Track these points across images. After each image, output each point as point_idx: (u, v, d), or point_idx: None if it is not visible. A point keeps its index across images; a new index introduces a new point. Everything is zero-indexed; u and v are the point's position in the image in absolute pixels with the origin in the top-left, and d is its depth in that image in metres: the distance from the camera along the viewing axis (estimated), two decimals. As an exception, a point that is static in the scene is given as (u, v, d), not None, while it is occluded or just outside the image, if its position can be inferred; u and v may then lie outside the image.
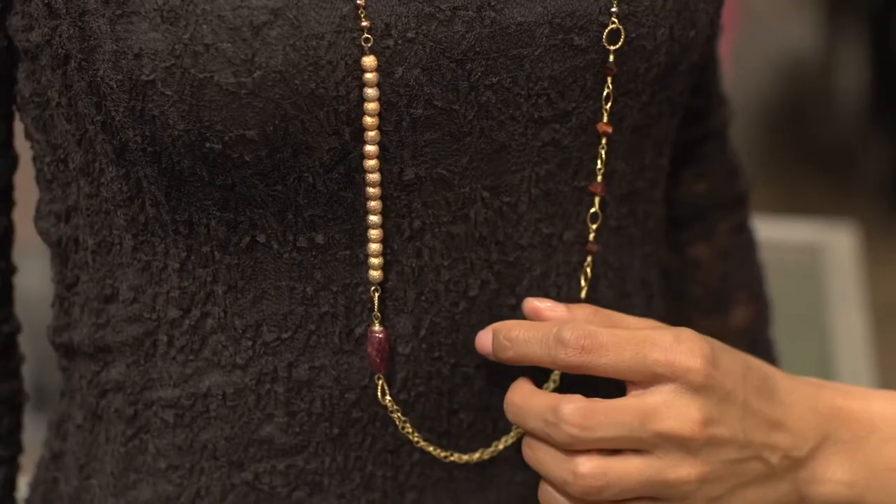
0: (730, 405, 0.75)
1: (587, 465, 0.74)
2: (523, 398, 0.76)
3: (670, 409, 0.74)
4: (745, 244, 1.04)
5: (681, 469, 0.74)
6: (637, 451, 0.74)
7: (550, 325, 0.75)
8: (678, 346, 0.74)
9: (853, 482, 0.79)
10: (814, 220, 4.03)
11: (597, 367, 0.74)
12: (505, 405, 0.77)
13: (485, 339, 0.78)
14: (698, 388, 0.74)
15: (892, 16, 4.31)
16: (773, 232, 2.15)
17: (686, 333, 0.75)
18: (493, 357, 0.78)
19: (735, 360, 0.77)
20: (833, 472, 0.79)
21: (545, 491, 0.77)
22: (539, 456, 0.76)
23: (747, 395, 0.76)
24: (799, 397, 0.79)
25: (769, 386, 0.78)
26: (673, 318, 1.02)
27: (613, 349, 0.74)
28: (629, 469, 0.74)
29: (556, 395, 0.75)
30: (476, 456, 0.82)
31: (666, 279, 1.02)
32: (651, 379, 0.74)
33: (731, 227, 1.03)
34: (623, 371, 0.74)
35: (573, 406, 0.73)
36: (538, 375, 0.82)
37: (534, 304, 0.79)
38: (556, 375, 0.82)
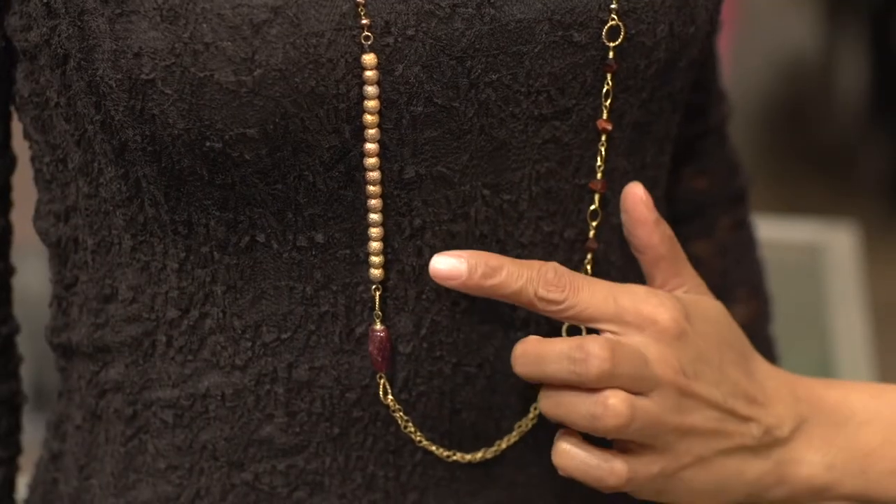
0: (705, 365, 0.76)
1: (617, 397, 0.74)
2: (539, 344, 0.75)
3: (652, 351, 0.75)
4: (745, 241, 1.04)
5: (667, 416, 0.75)
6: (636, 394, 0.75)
7: (536, 264, 0.76)
8: (649, 299, 0.76)
9: (832, 465, 0.80)
10: (814, 219, 4.03)
11: (571, 307, 0.75)
12: (516, 357, 0.76)
13: (445, 263, 0.75)
14: (669, 339, 0.75)
15: (892, 15, 4.31)
16: (772, 231, 2.15)
17: (662, 292, 0.76)
18: (464, 281, 0.75)
19: (711, 328, 0.78)
20: (812, 455, 0.80)
21: (564, 437, 0.77)
22: (563, 399, 0.75)
23: (723, 363, 0.77)
24: (778, 383, 0.80)
25: (748, 364, 0.79)
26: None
27: (588, 289, 0.75)
28: (647, 407, 0.75)
29: (577, 336, 0.75)
30: (479, 455, 0.82)
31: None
32: (622, 327, 0.75)
33: (731, 224, 1.03)
34: (594, 314, 0.75)
35: (601, 340, 0.74)
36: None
37: (639, 192, 0.79)
38: None
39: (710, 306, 0.80)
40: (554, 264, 0.76)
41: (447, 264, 0.75)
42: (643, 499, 0.79)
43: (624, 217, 0.79)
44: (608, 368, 0.73)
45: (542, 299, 0.75)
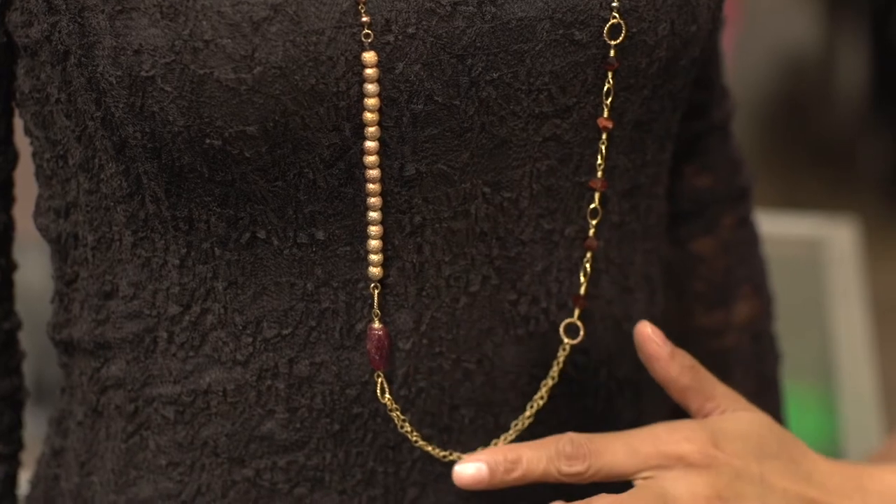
0: (745, 483, 0.76)
1: None
2: None
3: (680, 488, 0.75)
4: (748, 238, 1.04)
5: None
6: None
7: (552, 442, 0.76)
8: (671, 437, 0.76)
9: None
10: (814, 214, 4.03)
11: (597, 472, 0.76)
12: None
13: (468, 469, 0.77)
14: (700, 470, 0.75)
15: (892, 10, 4.31)
16: (773, 226, 2.15)
17: (686, 425, 0.77)
18: (490, 481, 0.76)
19: (748, 445, 0.77)
20: None
21: None
22: None
23: (766, 474, 0.77)
24: (843, 478, 0.79)
25: (802, 468, 0.78)
26: (675, 313, 1.02)
27: (609, 452, 0.76)
28: None
29: (587, 499, 0.75)
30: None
31: (668, 274, 1.02)
32: (651, 472, 0.76)
33: (733, 221, 1.03)
34: (620, 470, 0.76)
35: (608, 500, 0.74)
36: (537, 371, 0.82)
37: (646, 330, 0.79)
38: (554, 372, 0.82)
39: (746, 422, 0.78)
40: (569, 436, 0.76)
41: (470, 471, 0.76)
42: None
43: (640, 355, 0.80)
44: None
45: (566, 475, 0.76)
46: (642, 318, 0.87)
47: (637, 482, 0.76)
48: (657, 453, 0.76)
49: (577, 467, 0.76)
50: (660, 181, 0.87)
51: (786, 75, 4.86)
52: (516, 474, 0.76)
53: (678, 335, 1.03)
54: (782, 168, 4.27)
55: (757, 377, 1.02)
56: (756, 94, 4.67)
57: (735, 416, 0.79)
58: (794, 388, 2.15)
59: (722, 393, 0.80)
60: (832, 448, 2.07)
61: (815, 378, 2.06)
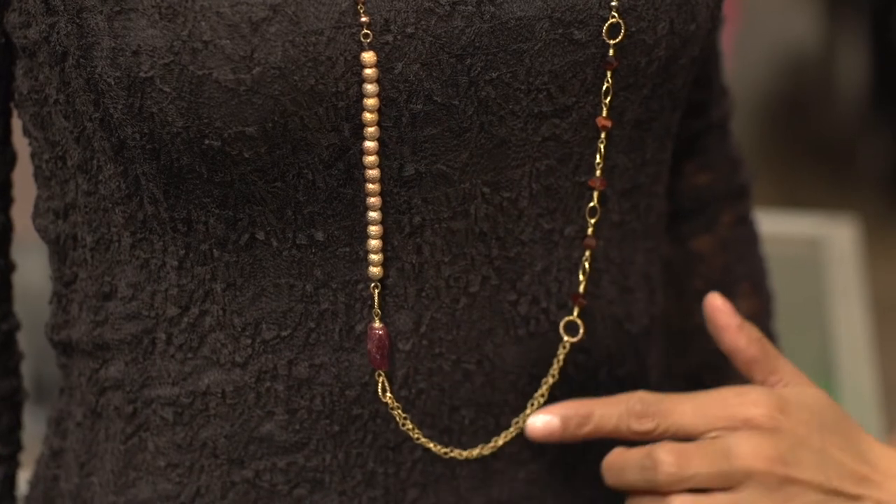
0: (806, 451, 0.77)
1: (680, 499, 0.76)
2: (619, 456, 0.78)
3: (744, 448, 0.77)
4: (747, 236, 1.04)
5: (781, 502, 0.76)
6: (724, 489, 0.77)
7: (623, 400, 0.78)
8: (739, 400, 0.78)
9: None
10: (814, 213, 4.03)
11: (665, 431, 0.78)
12: (603, 471, 0.79)
13: (539, 422, 0.78)
14: (764, 433, 0.77)
15: (892, 9, 4.31)
16: (773, 225, 2.14)
17: (753, 389, 0.78)
18: (561, 434, 0.78)
19: (811, 416, 0.79)
20: None
21: None
22: (620, 461, 0.78)
23: (825, 445, 0.78)
24: (892, 462, 0.80)
25: (857, 447, 0.80)
26: (675, 311, 1.02)
27: (678, 412, 0.78)
28: (722, 502, 0.76)
29: (650, 445, 0.77)
30: (476, 452, 0.82)
31: (667, 272, 1.02)
32: (718, 432, 0.77)
33: (733, 219, 1.03)
34: (689, 430, 0.77)
35: (667, 447, 0.76)
36: (537, 371, 0.82)
37: (716, 301, 0.81)
38: (554, 370, 0.82)
39: (809, 396, 0.80)
40: (640, 394, 0.78)
41: (540, 423, 0.78)
42: None
43: (709, 327, 0.82)
44: (675, 472, 0.76)
45: (635, 432, 0.78)
46: (642, 318, 0.87)
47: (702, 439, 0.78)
48: (725, 415, 0.77)
49: (647, 425, 0.77)
50: (660, 180, 0.87)
51: (786, 74, 4.86)
52: (587, 429, 0.78)
53: (678, 333, 1.03)
54: (782, 167, 4.27)
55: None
56: (756, 93, 4.67)
57: (798, 389, 0.81)
58: (795, 387, 2.14)
59: (785, 367, 0.81)
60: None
61: (815, 377, 2.06)
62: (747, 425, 0.77)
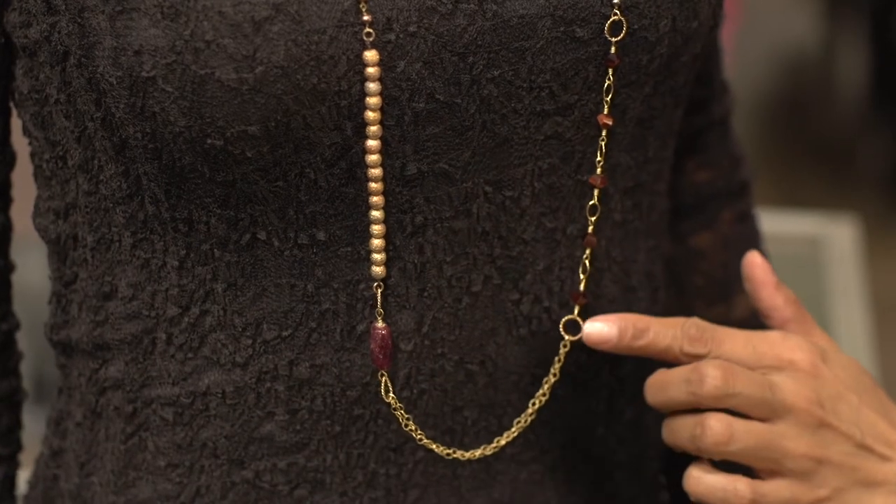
0: (843, 404, 0.79)
1: (715, 418, 0.77)
2: (664, 373, 0.79)
3: (788, 385, 0.78)
4: (748, 233, 1.04)
5: (798, 441, 0.77)
6: (761, 420, 0.78)
7: (679, 322, 0.79)
8: (786, 343, 0.79)
9: None
10: (814, 212, 4.03)
11: (718, 359, 0.78)
12: (646, 389, 0.79)
13: (597, 327, 0.78)
14: (807, 378, 0.78)
15: (892, 9, 4.31)
16: (773, 225, 2.14)
17: (799, 337, 0.80)
18: (615, 344, 0.78)
19: (849, 375, 0.80)
20: None
21: (696, 464, 0.79)
22: (674, 422, 0.79)
23: (861, 405, 0.80)
24: None
25: (890, 414, 0.81)
26: (675, 308, 1.02)
27: (729, 341, 0.79)
28: (752, 428, 0.77)
29: (697, 362, 0.78)
30: (478, 453, 0.81)
31: (668, 269, 1.02)
32: (762, 370, 0.79)
33: (734, 216, 1.03)
34: (738, 360, 0.78)
35: (715, 363, 0.77)
36: (539, 371, 0.82)
37: (757, 259, 0.82)
38: (555, 369, 0.82)
39: (846, 358, 0.82)
40: (695, 320, 0.79)
41: (599, 329, 0.78)
42: None
43: (746, 285, 0.83)
44: (721, 386, 0.76)
45: (687, 354, 0.78)
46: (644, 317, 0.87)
47: None
48: (772, 354, 0.79)
49: (699, 349, 0.78)
50: (662, 178, 0.86)
51: (786, 73, 4.86)
52: (642, 342, 0.78)
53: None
54: (782, 166, 4.27)
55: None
56: (756, 93, 4.67)
57: (835, 350, 0.82)
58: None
59: (819, 333, 0.83)
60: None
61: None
62: (791, 367, 0.78)
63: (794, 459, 0.77)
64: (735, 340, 0.79)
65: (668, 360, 0.79)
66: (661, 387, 0.79)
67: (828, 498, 0.78)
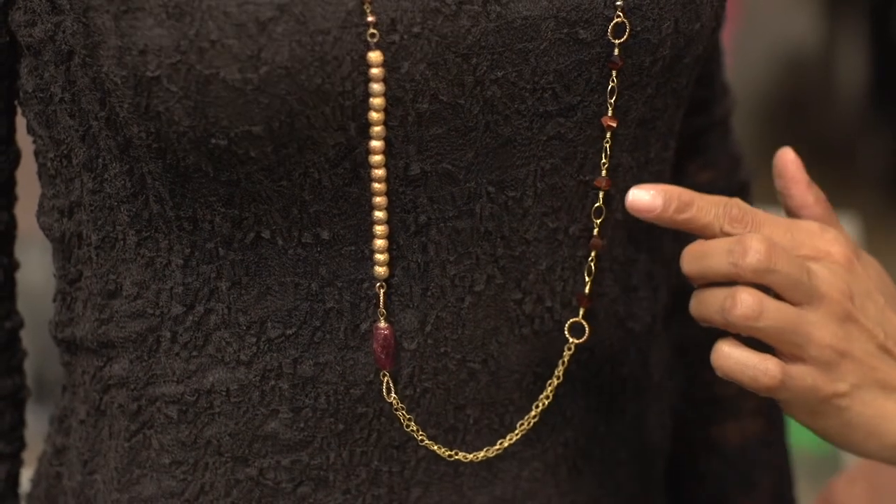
0: (870, 303, 0.79)
1: (748, 291, 0.76)
2: (704, 242, 0.78)
3: (822, 273, 0.78)
4: (749, 235, 1.04)
5: (825, 330, 0.77)
6: (792, 303, 0.77)
7: (723, 200, 0.78)
8: (823, 234, 0.79)
9: None
10: (814, 212, 4.02)
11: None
12: (683, 257, 0.78)
13: (643, 196, 0.77)
14: (841, 270, 0.78)
15: (892, 8, 4.31)
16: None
17: (833, 230, 0.80)
18: (659, 213, 0.77)
19: (877, 275, 0.81)
20: None
21: (724, 340, 0.78)
22: (705, 294, 0.78)
23: (887, 307, 0.79)
24: None
25: None
26: (675, 309, 1.02)
27: (769, 224, 0.78)
28: (782, 308, 0.76)
29: (741, 235, 0.77)
30: (481, 455, 0.82)
31: (668, 271, 1.02)
32: (800, 258, 0.78)
33: (734, 218, 1.03)
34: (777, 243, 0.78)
35: (760, 237, 0.76)
36: (542, 371, 0.82)
37: (790, 155, 0.83)
38: (559, 371, 0.82)
39: (874, 261, 0.82)
40: (737, 200, 0.78)
41: (645, 197, 0.77)
42: (799, 417, 0.79)
43: (778, 181, 0.82)
44: (764, 260, 0.75)
45: (727, 234, 0.77)
46: (645, 317, 0.87)
47: None
48: (810, 244, 0.79)
49: (740, 230, 0.78)
50: (663, 179, 0.87)
51: (786, 73, 4.85)
52: (686, 215, 0.77)
53: (678, 331, 1.03)
54: (782, 166, 4.26)
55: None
56: (756, 92, 4.67)
57: (864, 252, 0.82)
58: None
59: (847, 234, 0.82)
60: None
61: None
62: (828, 258, 0.78)
63: (818, 348, 0.76)
64: (775, 226, 0.78)
65: (705, 237, 0.78)
66: (701, 255, 0.77)
67: (846, 394, 0.77)
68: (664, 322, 0.95)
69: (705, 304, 0.77)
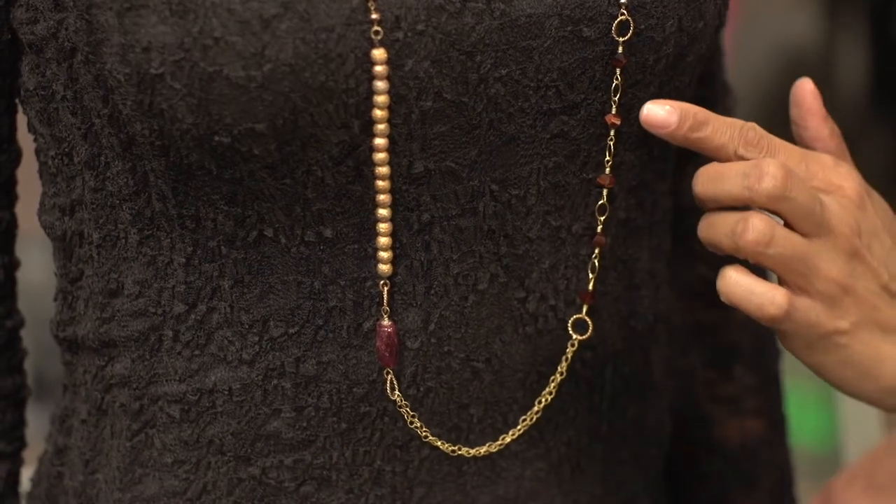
0: (877, 243, 0.78)
1: (759, 216, 0.75)
2: (719, 165, 0.77)
3: (834, 206, 0.77)
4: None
5: (832, 264, 0.76)
6: (802, 233, 0.76)
7: (739, 123, 0.78)
8: (837, 168, 0.78)
9: None
10: (813, 211, 4.02)
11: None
12: (697, 177, 0.77)
13: (658, 111, 0.76)
14: (852, 206, 0.77)
15: (892, 8, 4.31)
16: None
17: (846, 164, 0.79)
18: (673, 131, 0.77)
19: (886, 216, 0.80)
20: None
21: (731, 266, 0.77)
22: (715, 218, 0.77)
23: (893, 248, 0.79)
24: None
25: None
26: (676, 308, 1.02)
27: (784, 152, 0.77)
28: (792, 237, 0.75)
29: (758, 160, 0.76)
30: (483, 450, 0.81)
31: (669, 269, 1.02)
32: (812, 189, 0.77)
33: (735, 217, 1.03)
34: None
35: (778, 163, 0.75)
36: (545, 369, 0.82)
37: (809, 86, 0.82)
38: (562, 368, 0.82)
39: (884, 202, 0.81)
40: (754, 125, 0.77)
41: (660, 112, 0.76)
42: (797, 351, 0.78)
43: (794, 111, 0.81)
44: (779, 186, 0.74)
45: (740, 157, 0.77)
46: (647, 315, 0.87)
47: None
48: (823, 176, 0.78)
49: (753, 154, 0.77)
50: (665, 177, 0.87)
51: (785, 72, 4.85)
52: (700, 134, 0.76)
53: (679, 330, 1.03)
54: (781, 165, 4.26)
55: (757, 373, 1.02)
56: (755, 91, 4.67)
57: (875, 193, 0.81)
58: (795, 385, 2.15)
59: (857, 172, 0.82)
60: (832, 447, 2.07)
61: (816, 376, 2.06)
62: (840, 192, 0.78)
63: (823, 281, 0.76)
64: (790, 154, 0.77)
65: (719, 159, 0.77)
66: (716, 177, 0.76)
67: (846, 331, 0.77)
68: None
69: (715, 228, 0.76)
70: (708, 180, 0.76)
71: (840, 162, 0.79)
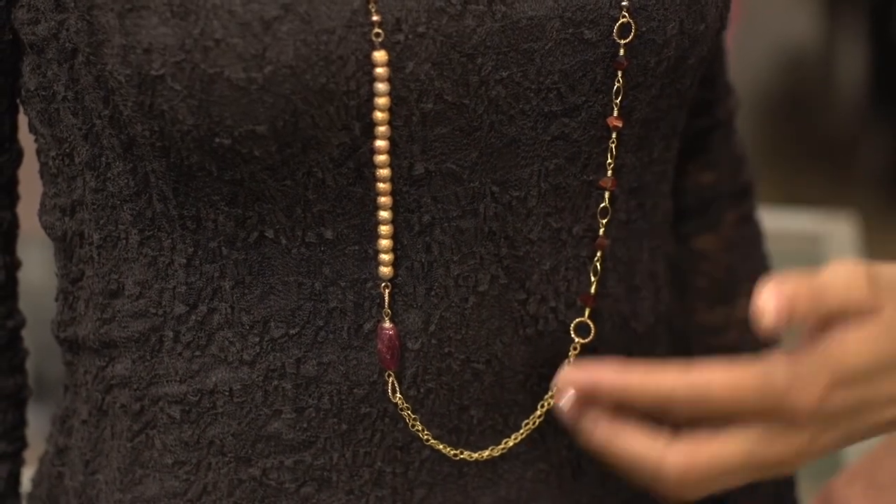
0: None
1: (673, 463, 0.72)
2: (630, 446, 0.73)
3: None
4: (751, 235, 1.04)
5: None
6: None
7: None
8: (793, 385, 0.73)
9: None
10: (814, 210, 4.03)
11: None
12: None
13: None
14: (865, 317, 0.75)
15: (891, 7, 4.31)
16: (773, 222, 2.15)
17: (847, 264, 0.76)
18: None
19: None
20: None
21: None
22: (630, 447, 0.73)
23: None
24: None
25: None
26: (678, 310, 1.02)
27: (730, 401, 0.72)
28: (722, 456, 0.73)
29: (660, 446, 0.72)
30: (486, 454, 0.82)
31: (671, 271, 1.02)
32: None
33: (736, 218, 1.03)
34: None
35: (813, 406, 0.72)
36: (546, 371, 0.82)
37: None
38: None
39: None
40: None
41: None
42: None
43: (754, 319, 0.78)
44: (815, 412, 0.72)
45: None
46: (648, 317, 0.87)
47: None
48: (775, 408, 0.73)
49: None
50: (666, 179, 0.87)
51: (786, 72, 4.86)
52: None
53: (680, 332, 1.03)
54: (782, 164, 4.27)
55: (759, 375, 1.02)
56: (756, 91, 4.68)
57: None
58: (795, 385, 2.15)
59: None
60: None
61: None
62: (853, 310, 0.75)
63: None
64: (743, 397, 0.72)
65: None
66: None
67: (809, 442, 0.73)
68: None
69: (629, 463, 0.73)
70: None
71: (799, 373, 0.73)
